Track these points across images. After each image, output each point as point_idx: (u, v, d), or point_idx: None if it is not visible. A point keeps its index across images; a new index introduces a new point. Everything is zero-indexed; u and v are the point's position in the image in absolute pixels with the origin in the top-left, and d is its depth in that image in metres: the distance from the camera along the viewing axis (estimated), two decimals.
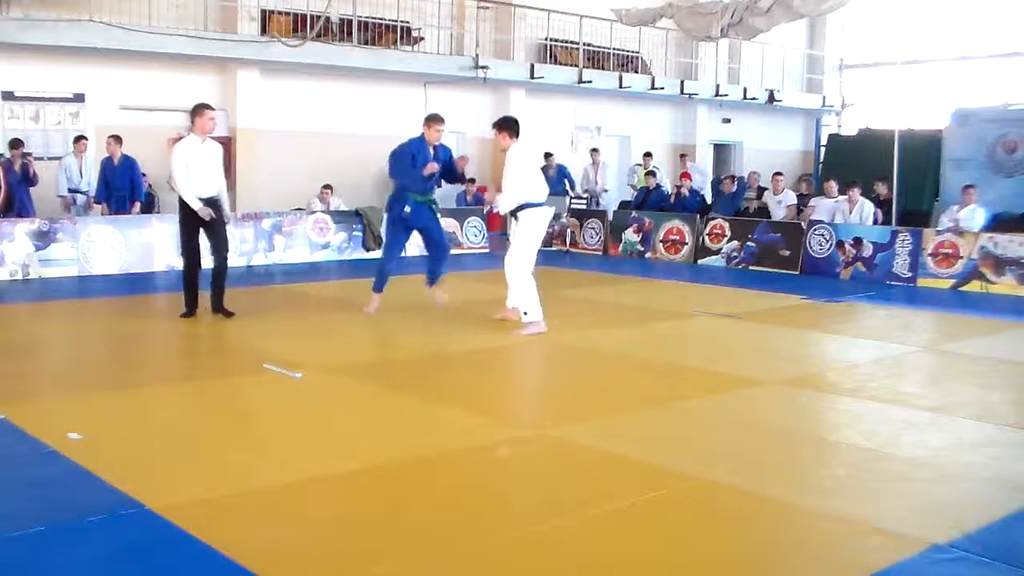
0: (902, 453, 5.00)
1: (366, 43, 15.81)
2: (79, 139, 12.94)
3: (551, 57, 18.88)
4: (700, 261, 14.16)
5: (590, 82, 18.45)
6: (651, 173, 16.51)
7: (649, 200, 16.03)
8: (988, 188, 14.34)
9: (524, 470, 4.79)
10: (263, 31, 15.05)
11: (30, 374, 6.69)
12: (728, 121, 22.07)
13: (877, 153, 15.53)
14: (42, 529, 3.76)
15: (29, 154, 12.37)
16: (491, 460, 4.86)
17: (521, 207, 8.24)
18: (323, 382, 6.42)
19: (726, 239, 14.03)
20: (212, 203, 8.46)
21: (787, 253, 13.33)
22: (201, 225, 8.50)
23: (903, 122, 14.83)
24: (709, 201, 16.39)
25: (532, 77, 17.60)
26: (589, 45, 18.92)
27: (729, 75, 21.88)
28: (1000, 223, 12.98)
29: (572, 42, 18.79)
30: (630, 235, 15.06)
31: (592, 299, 10.10)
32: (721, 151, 22.83)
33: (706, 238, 14.25)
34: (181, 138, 8.92)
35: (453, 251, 14.57)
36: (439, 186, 9.51)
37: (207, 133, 8.46)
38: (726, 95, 20.92)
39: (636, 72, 19.88)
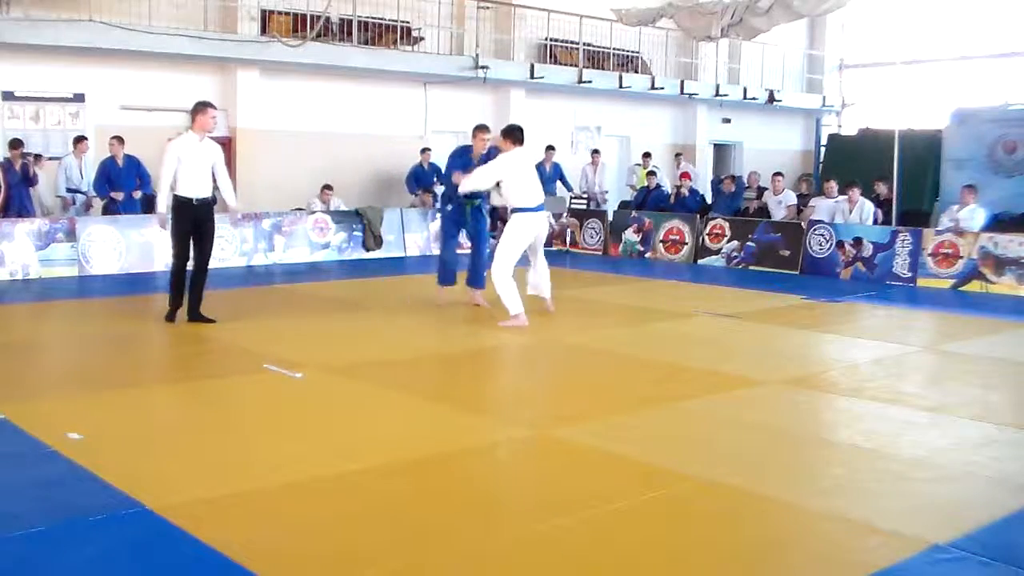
0: (902, 453, 5.00)
1: (366, 43, 15.81)
2: (79, 139, 12.94)
3: (551, 57, 18.88)
4: (700, 261, 14.16)
5: (590, 82, 18.45)
6: (651, 173, 16.51)
7: (649, 200, 16.03)
8: (988, 188, 14.34)
9: (524, 470, 4.79)
10: (263, 31, 15.05)
11: (30, 374, 6.70)
12: (728, 121, 22.07)
13: (877, 153, 15.53)
14: (42, 529, 3.76)
15: (30, 154, 12.37)
16: (491, 460, 4.87)
17: (515, 210, 8.53)
18: (323, 382, 6.42)
19: (726, 239, 14.02)
20: (206, 204, 8.24)
21: (787, 253, 13.32)
22: (192, 225, 8.21)
23: (903, 122, 14.83)
24: (709, 201, 16.39)
25: (532, 77, 17.60)
26: (589, 45, 18.92)
27: (729, 75, 21.88)
28: (1000, 223, 12.98)
29: (572, 42, 18.79)
30: (630, 235, 15.05)
31: (592, 299, 10.10)
32: (721, 151, 22.83)
33: (706, 238, 14.25)
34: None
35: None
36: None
37: (207, 131, 8.30)
38: (726, 95, 20.92)
39: (636, 72, 19.88)
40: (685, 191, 15.69)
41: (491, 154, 9.13)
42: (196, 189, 8.18)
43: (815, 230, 13.11)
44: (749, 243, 13.73)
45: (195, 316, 8.32)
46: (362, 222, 14.08)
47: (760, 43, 20.10)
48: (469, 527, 3.92)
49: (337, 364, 6.85)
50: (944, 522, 4.00)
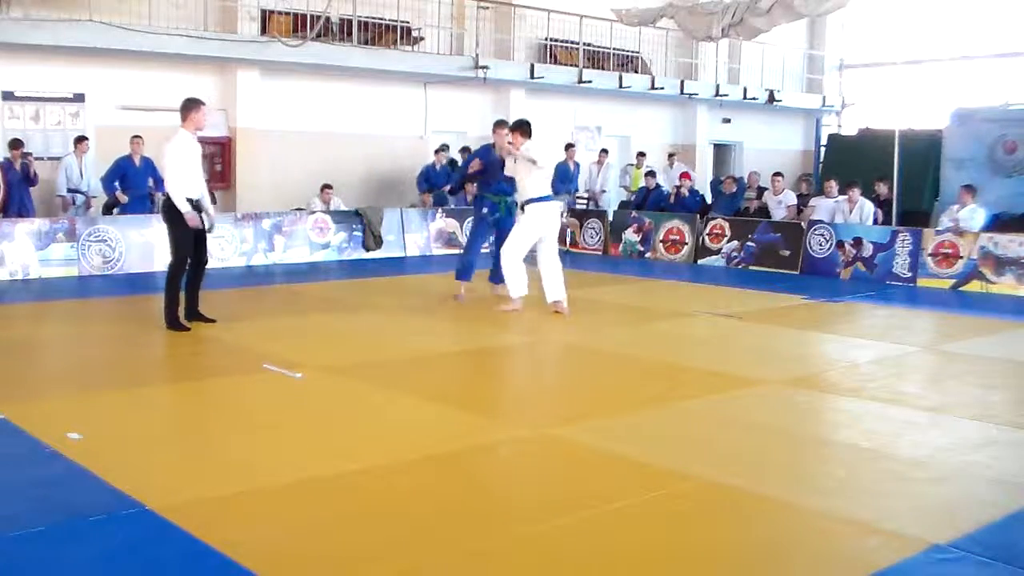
0: (902, 453, 5.00)
1: (366, 43, 15.81)
2: (80, 139, 12.94)
3: (551, 57, 18.88)
4: (700, 261, 14.16)
5: (590, 82, 18.45)
6: (651, 173, 16.51)
7: (649, 200, 16.03)
8: (988, 188, 14.33)
9: (524, 470, 4.79)
10: (263, 31, 15.05)
11: (30, 374, 6.70)
12: (728, 121, 22.07)
13: (877, 153, 15.53)
14: (42, 529, 3.76)
15: (29, 154, 12.37)
16: (491, 460, 4.87)
17: (528, 201, 9.04)
18: (323, 382, 6.42)
19: (726, 239, 14.02)
20: (197, 206, 8.08)
21: (787, 253, 13.33)
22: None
23: (903, 122, 14.83)
24: (708, 201, 16.39)
25: (532, 77, 17.60)
26: (589, 45, 18.92)
27: (729, 75, 21.88)
28: (1000, 223, 12.97)
29: (572, 42, 18.79)
30: (630, 235, 15.05)
31: (592, 299, 10.10)
32: (721, 151, 22.83)
33: (706, 238, 14.25)
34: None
35: (451, 251, 14.65)
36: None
37: (200, 129, 8.14)
38: (726, 95, 20.92)
39: (636, 72, 19.87)
40: (685, 191, 15.69)
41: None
42: (196, 188, 8.10)
43: (815, 230, 13.11)
44: (749, 243, 13.73)
45: (195, 315, 8.27)
46: (362, 222, 14.08)
47: (760, 43, 20.09)
48: (469, 527, 3.92)
49: (337, 364, 6.85)
50: (944, 522, 4.00)
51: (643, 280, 12.32)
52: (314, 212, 13.89)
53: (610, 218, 15.73)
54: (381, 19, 16.10)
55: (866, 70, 23.48)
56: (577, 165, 16.37)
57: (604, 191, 17.33)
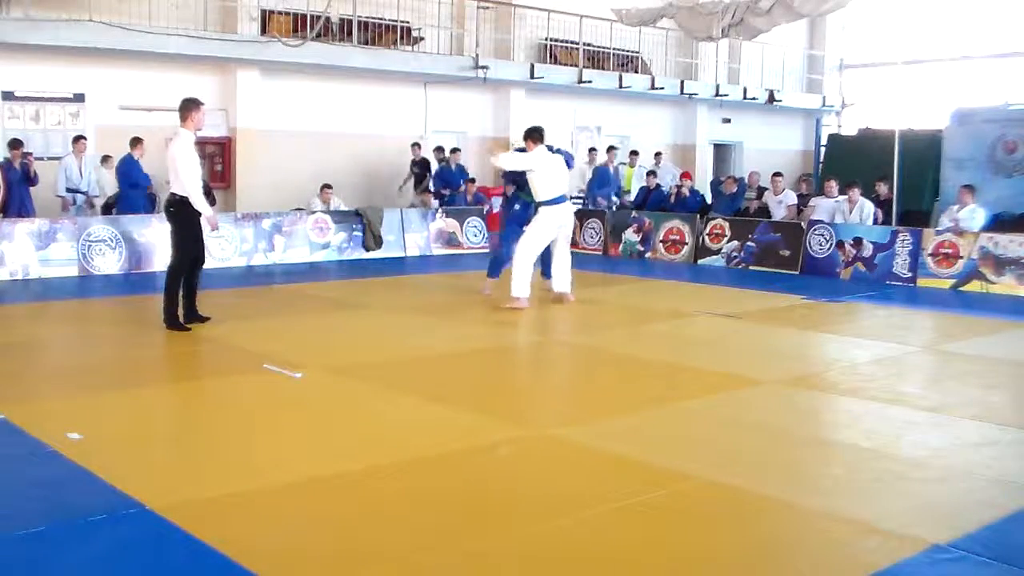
0: (902, 453, 5.00)
1: (366, 43, 15.82)
2: (79, 139, 12.93)
3: (551, 57, 18.88)
4: (700, 261, 14.16)
5: (590, 82, 18.45)
6: (652, 173, 16.51)
7: (649, 200, 16.03)
8: (988, 188, 14.32)
9: (524, 470, 4.79)
10: (263, 31, 15.05)
11: (30, 374, 6.70)
12: (728, 121, 22.07)
13: (877, 153, 15.53)
14: (42, 529, 3.76)
15: (29, 154, 12.37)
16: (491, 460, 4.86)
17: (542, 203, 9.34)
18: (323, 382, 6.42)
19: (726, 239, 14.02)
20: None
21: (787, 253, 13.32)
22: (197, 226, 8.05)
23: (903, 122, 14.83)
24: (708, 200, 16.37)
25: (532, 77, 17.61)
26: (589, 45, 18.92)
27: (729, 75, 21.89)
28: (1000, 223, 12.97)
29: (572, 42, 18.80)
30: (630, 235, 15.05)
31: (592, 299, 10.10)
32: (721, 151, 22.83)
33: (706, 238, 14.25)
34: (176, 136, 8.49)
35: (451, 251, 14.66)
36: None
37: (200, 129, 8.14)
38: (726, 95, 20.92)
39: (636, 72, 19.88)
40: (686, 191, 15.69)
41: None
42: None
43: (815, 230, 13.11)
44: (749, 243, 13.73)
45: (194, 316, 8.24)
46: (362, 222, 14.08)
47: (760, 43, 20.10)
48: (469, 527, 3.92)
49: (337, 364, 6.85)
50: (944, 522, 4.00)
51: (643, 280, 12.32)
52: (314, 212, 13.89)
53: (610, 218, 15.73)
54: (381, 19, 16.11)
55: (866, 70, 23.49)
56: (617, 169, 16.38)
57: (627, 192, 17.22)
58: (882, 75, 22.21)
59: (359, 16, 15.57)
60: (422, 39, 16.74)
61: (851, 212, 13.13)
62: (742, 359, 7.35)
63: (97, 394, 6.01)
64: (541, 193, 9.40)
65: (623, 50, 19.69)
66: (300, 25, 14.87)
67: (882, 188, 14.11)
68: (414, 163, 16.27)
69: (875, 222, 13.14)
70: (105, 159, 13.22)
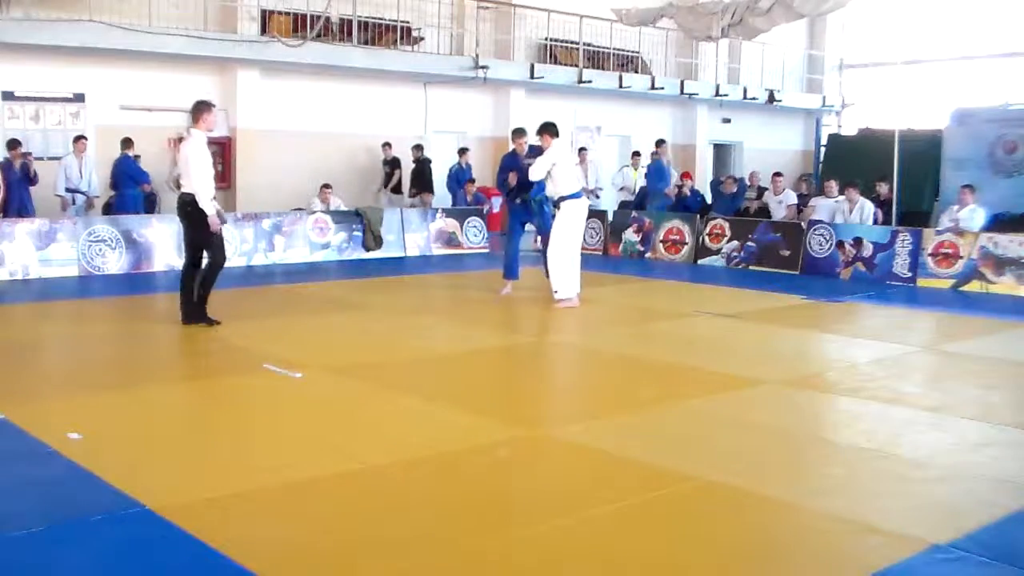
0: (902, 453, 5.00)
1: (366, 43, 15.82)
2: (79, 139, 12.93)
3: (551, 57, 18.88)
4: (700, 261, 14.15)
5: (590, 82, 18.45)
6: (654, 153, 16.45)
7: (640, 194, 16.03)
8: (988, 188, 14.31)
9: (524, 470, 4.79)
10: (263, 31, 15.06)
11: (30, 374, 6.69)
12: (728, 121, 22.07)
13: (877, 153, 15.51)
14: (42, 529, 3.76)
15: (29, 154, 12.37)
16: (491, 460, 4.86)
17: (562, 198, 9.49)
18: (323, 382, 6.41)
19: (726, 239, 14.02)
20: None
21: (787, 253, 13.32)
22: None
23: (903, 122, 14.82)
24: (708, 200, 16.38)
25: (532, 77, 17.61)
26: (589, 45, 18.92)
27: (729, 75, 21.88)
28: (1000, 223, 12.96)
29: (572, 42, 18.80)
30: (630, 235, 15.05)
31: (592, 299, 10.10)
32: (721, 151, 22.84)
33: (706, 238, 14.25)
34: (182, 138, 8.65)
35: (451, 251, 14.65)
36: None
37: (211, 130, 8.28)
38: (726, 95, 20.92)
39: (636, 72, 19.88)
40: (686, 191, 15.68)
41: (532, 151, 10.01)
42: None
43: (815, 230, 13.10)
44: (749, 243, 13.72)
45: (203, 317, 8.29)
46: (362, 222, 14.07)
47: (760, 43, 20.11)
48: (469, 527, 3.92)
49: (337, 364, 6.85)
50: (944, 522, 4.00)
51: (643, 280, 12.32)
52: (314, 212, 13.88)
53: (610, 218, 15.73)
54: (381, 19, 16.11)
55: (866, 70, 23.49)
56: (669, 163, 16.41)
57: (600, 189, 17.18)
58: (882, 75, 22.20)
59: (359, 16, 15.57)
60: (422, 39, 16.74)
61: (851, 212, 13.13)
62: (742, 359, 7.35)
63: (97, 394, 6.01)
64: (562, 188, 9.50)
65: (623, 50, 19.69)
66: (300, 25, 14.87)
67: (882, 188, 14.11)
68: (385, 162, 16.41)
69: (875, 222, 13.14)
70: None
